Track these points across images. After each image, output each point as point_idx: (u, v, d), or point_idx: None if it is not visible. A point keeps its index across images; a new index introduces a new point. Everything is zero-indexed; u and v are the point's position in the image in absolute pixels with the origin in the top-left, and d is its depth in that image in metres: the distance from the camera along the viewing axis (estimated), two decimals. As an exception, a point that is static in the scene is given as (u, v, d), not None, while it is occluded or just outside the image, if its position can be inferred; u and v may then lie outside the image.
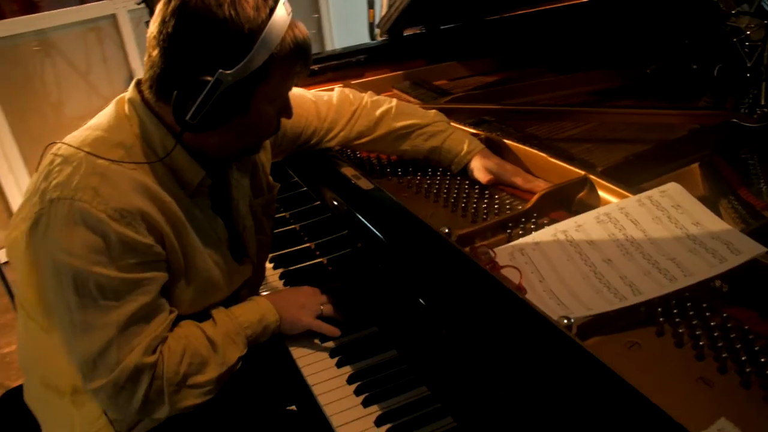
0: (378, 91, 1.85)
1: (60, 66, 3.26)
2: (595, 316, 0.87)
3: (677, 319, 0.86)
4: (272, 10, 0.94)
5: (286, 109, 1.08)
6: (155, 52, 0.95)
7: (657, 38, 1.58)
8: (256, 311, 1.11)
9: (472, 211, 1.21)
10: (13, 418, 1.22)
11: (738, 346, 0.80)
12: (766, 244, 0.90)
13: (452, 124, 1.41)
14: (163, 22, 0.93)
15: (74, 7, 3.21)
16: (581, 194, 1.17)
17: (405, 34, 2.05)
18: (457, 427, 0.96)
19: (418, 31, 2.08)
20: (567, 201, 1.17)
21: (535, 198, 1.15)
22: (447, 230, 1.07)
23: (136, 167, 0.99)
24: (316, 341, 1.17)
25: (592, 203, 1.15)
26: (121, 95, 1.06)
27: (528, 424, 0.75)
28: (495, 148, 1.36)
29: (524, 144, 1.34)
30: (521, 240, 1.05)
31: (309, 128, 1.32)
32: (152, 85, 0.99)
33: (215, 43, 0.92)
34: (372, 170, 1.42)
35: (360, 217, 1.11)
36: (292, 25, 0.98)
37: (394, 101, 1.38)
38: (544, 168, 1.27)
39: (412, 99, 1.78)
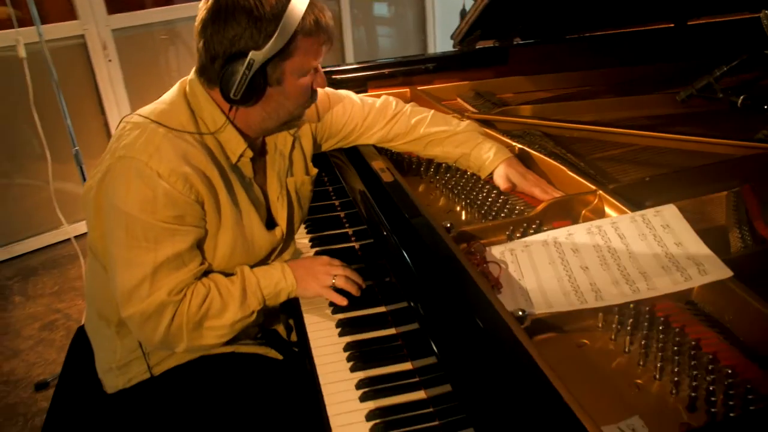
0: (443, 99, 1.98)
1: (182, 54, 3.63)
2: (554, 314, 0.93)
3: (629, 328, 0.90)
4: None
5: (318, 80, 1.22)
6: (199, 44, 1.14)
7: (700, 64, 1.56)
8: (275, 275, 1.25)
9: (484, 211, 1.29)
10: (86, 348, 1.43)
11: (682, 359, 0.84)
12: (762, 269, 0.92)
13: (491, 132, 1.50)
14: (203, 17, 1.11)
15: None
16: (589, 208, 1.22)
17: (477, 47, 2.13)
18: (425, 401, 1.05)
19: (492, 45, 2.15)
20: (574, 213, 1.23)
21: (541, 206, 1.22)
22: (449, 225, 1.16)
23: (189, 136, 1.17)
24: (327, 311, 1.29)
25: (598, 217, 1.19)
26: (185, 77, 1.25)
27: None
28: (525, 160, 1.43)
29: (552, 158, 1.40)
30: (515, 242, 1.12)
31: (350, 124, 1.46)
32: (201, 73, 1.17)
33: (245, 29, 1.08)
34: (408, 168, 1.53)
35: (374, 205, 1.23)
36: (312, 6, 1.13)
37: (432, 111, 1.49)
38: (563, 181, 1.33)
39: (470, 108, 1.88)
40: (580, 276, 1.00)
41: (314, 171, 1.44)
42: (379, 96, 1.55)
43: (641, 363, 0.86)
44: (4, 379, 2.42)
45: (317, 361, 1.17)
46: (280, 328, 1.46)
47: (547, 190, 1.33)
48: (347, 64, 2.07)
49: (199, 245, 1.20)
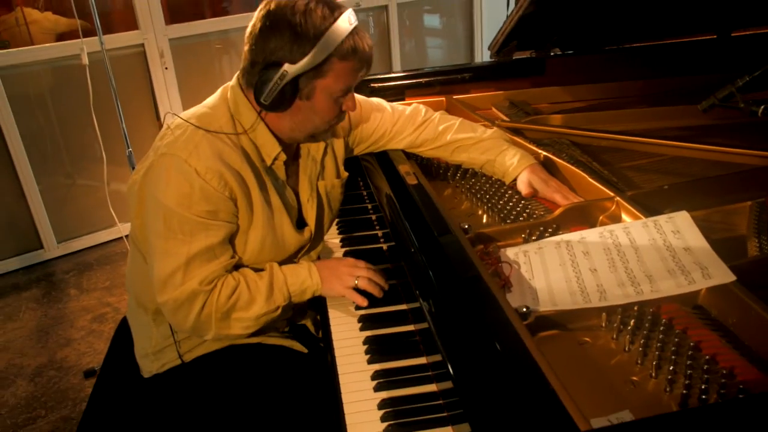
0: (478, 108, 2.02)
1: (235, 62, 3.78)
2: (559, 312, 0.96)
3: (630, 328, 0.92)
4: (336, 20, 1.16)
5: (348, 103, 1.28)
6: (246, 48, 1.22)
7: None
8: (301, 274, 1.32)
9: (504, 215, 1.32)
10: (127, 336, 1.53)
11: (680, 359, 0.86)
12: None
13: (518, 140, 1.54)
14: (253, 24, 1.19)
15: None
16: (606, 214, 1.24)
17: (515, 58, 2.16)
18: (436, 393, 1.09)
19: (529, 56, 2.18)
20: (592, 218, 1.25)
21: (559, 210, 1.25)
22: (467, 226, 1.21)
23: (226, 138, 1.26)
24: (351, 308, 1.35)
25: (614, 223, 1.21)
26: (228, 83, 1.34)
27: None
28: (549, 167, 1.46)
29: (577, 166, 1.42)
30: (529, 244, 1.16)
31: (380, 129, 1.52)
32: (243, 75, 1.26)
33: (285, 43, 1.16)
34: (436, 173, 1.58)
35: (397, 206, 1.28)
36: (354, 34, 1.19)
37: (460, 119, 1.54)
38: (584, 188, 1.35)
39: (503, 116, 1.92)
40: (588, 277, 1.03)
41: (345, 175, 1.50)
42: (415, 104, 1.62)
43: (639, 362, 0.88)
44: (57, 366, 2.57)
45: (337, 352, 1.22)
46: (309, 323, 1.53)
47: (568, 196, 1.35)
48: (386, 73, 2.13)
49: (231, 240, 1.28)
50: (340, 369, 1.18)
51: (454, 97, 2.04)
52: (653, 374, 0.86)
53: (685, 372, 0.84)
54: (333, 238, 1.67)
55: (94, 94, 2.99)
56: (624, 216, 1.21)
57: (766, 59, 1.52)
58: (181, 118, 1.28)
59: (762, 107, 1.20)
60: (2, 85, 3.07)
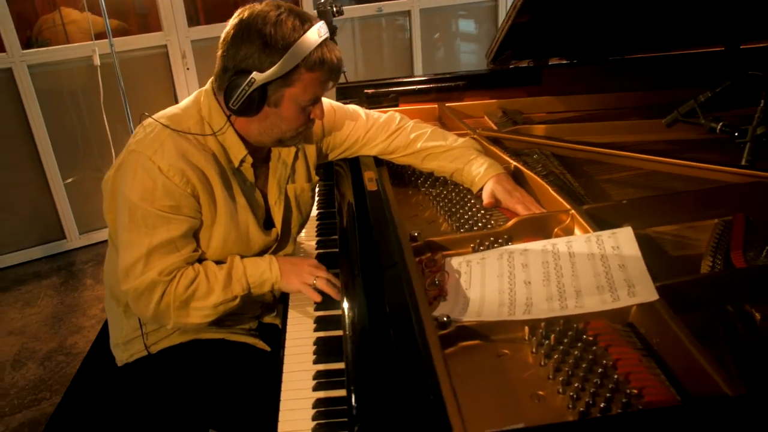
0: (470, 116, 2.03)
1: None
2: (483, 323, 0.97)
3: (551, 342, 0.92)
4: (305, 32, 1.20)
5: (316, 111, 1.31)
6: (219, 53, 1.26)
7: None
8: (261, 265, 1.34)
9: (461, 223, 1.33)
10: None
11: (590, 377, 0.86)
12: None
13: (494, 149, 1.55)
14: (227, 31, 1.24)
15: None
16: (561, 226, 1.24)
17: (511, 66, 2.15)
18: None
19: (527, 65, 2.17)
20: (546, 230, 1.24)
21: (512, 222, 1.25)
22: (416, 234, 1.22)
23: (193, 138, 1.30)
24: (310, 309, 1.38)
25: (568, 235, 1.20)
26: (203, 88, 1.38)
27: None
28: (518, 178, 1.46)
29: (550, 177, 1.42)
30: (474, 254, 1.16)
31: (353, 136, 1.54)
32: (215, 79, 1.30)
33: (255, 51, 1.20)
34: (408, 180, 1.60)
35: (352, 211, 1.30)
36: (322, 46, 1.22)
37: (432, 127, 1.56)
38: (547, 199, 1.35)
39: (491, 125, 1.92)
40: (521, 290, 1.03)
41: (316, 179, 1.53)
42: (410, 110, 1.64)
43: (551, 377, 0.88)
44: (66, 351, 2.68)
45: (287, 351, 1.25)
46: (279, 322, 1.56)
47: (531, 208, 1.35)
48: (379, 79, 2.15)
49: (195, 234, 1.32)
50: (286, 367, 1.21)
51: (447, 104, 2.05)
52: (561, 390, 0.85)
53: (590, 389, 0.84)
54: (311, 240, 1.70)
55: (113, 93, 3.10)
56: (577, 230, 1.20)
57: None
58: (152, 118, 1.33)
59: (720, 124, 1.17)
60: (32, 81, 3.21)
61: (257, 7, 1.25)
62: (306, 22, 1.23)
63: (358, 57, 4.37)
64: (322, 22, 1.26)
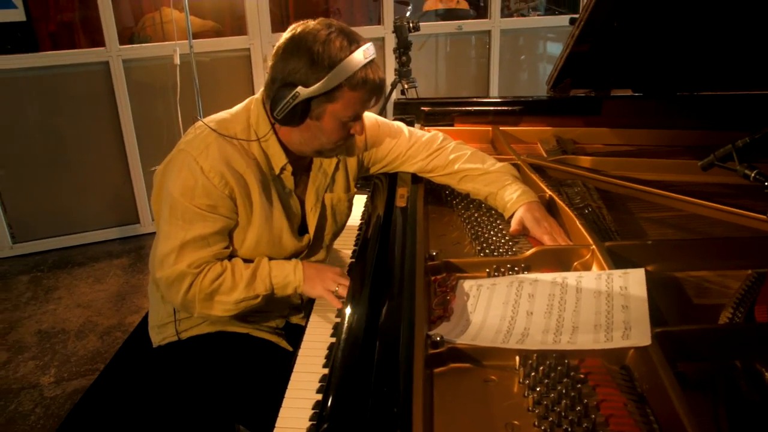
0: (523, 141, 2.03)
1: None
2: (476, 347, 0.98)
3: (539, 375, 0.93)
4: (352, 52, 1.25)
5: (356, 127, 1.37)
6: (270, 63, 1.34)
7: None
8: (286, 268, 1.40)
9: (482, 247, 1.34)
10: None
11: (569, 413, 0.85)
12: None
13: (533, 177, 1.56)
14: (279, 45, 1.32)
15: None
16: (580, 261, 1.23)
17: (572, 95, 2.13)
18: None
19: (588, 94, 2.14)
20: (566, 263, 1.24)
21: (531, 251, 1.25)
22: (434, 253, 1.24)
23: (237, 143, 1.38)
24: (331, 315, 1.42)
25: (586, 270, 1.20)
26: (255, 96, 1.47)
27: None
28: (552, 208, 1.46)
29: (584, 210, 1.42)
30: (486, 279, 1.18)
31: (394, 152, 1.59)
32: (265, 88, 1.37)
33: (302, 66, 1.27)
34: (445, 199, 1.62)
35: (380, 221, 1.34)
36: (367, 67, 1.28)
37: (472, 150, 1.58)
38: (574, 232, 1.34)
39: (542, 152, 1.91)
40: (521, 320, 1.03)
41: (354, 191, 1.58)
42: (465, 130, 1.68)
43: (530, 408, 0.88)
44: (123, 329, 2.86)
45: (301, 352, 1.31)
46: (304, 323, 1.61)
47: (557, 239, 1.34)
48: (437, 98, 2.19)
49: (229, 233, 1.40)
50: (297, 367, 1.26)
51: (501, 128, 2.05)
52: (536, 422, 0.86)
53: (565, 426, 0.84)
54: (347, 248, 1.75)
55: (192, 92, 3.29)
56: (594, 265, 1.19)
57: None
58: (202, 121, 1.42)
59: (755, 172, 1.13)
60: (124, 74, 3.46)
61: (310, 24, 1.31)
62: (353, 43, 1.28)
63: (439, 73, 4.42)
64: (370, 44, 1.32)
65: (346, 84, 1.27)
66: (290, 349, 1.51)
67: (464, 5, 4.53)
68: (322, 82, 1.26)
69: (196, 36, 3.75)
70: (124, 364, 1.62)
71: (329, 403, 0.82)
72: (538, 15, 4.81)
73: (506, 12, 4.69)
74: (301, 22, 1.34)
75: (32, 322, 2.95)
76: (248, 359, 1.46)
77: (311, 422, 1.09)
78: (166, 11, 3.88)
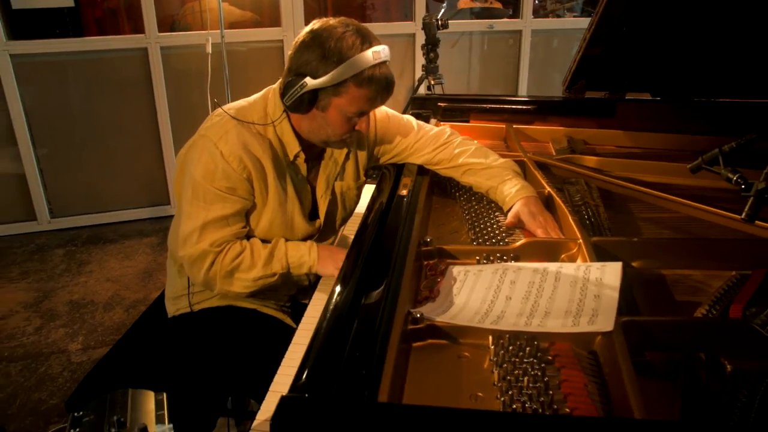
0: (535, 139, 2.08)
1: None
2: (454, 325, 1.05)
3: (508, 353, 0.99)
4: (362, 51, 1.33)
5: (361, 124, 1.44)
6: (288, 54, 1.43)
7: None
8: (301, 249, 1.49)
9: (477, 236, 1.41)
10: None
11: (530, 389, 0.92)
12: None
13: (536, 173, 1.61)
14: (298, 37, 1.40)
15: (382, 23, 4.00)
16: (567, 254, 1.28)
17: (587, 97, 2.17)
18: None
19: (603, 96, 2.18)
20: (553, 255, 1.30)
21: (520, 242, 1.31)
22: (428, 239, 1.32)
23: (255, 130, 1.47)
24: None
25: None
26: (273, 85, 1.55)
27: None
28: (550, 204, 1.52)
29: (580, 208, 1.47)
30: (475, 266, 1.24)
31: (402, 144, 1.66)
32: (283, 76, 1.46)
33: (314, 59, 1.35)
34: (449, 191, 1.69)
35: (381, 207, 1.42)
36: (376, 67, 1.35)
37: (477, 145, 1.65)
38: (566, 227, 1.39)
39: (552, 150, 1.96)
40: (500, 303, 1.10)
41: (363, 179, 1.66)
42: (479, 127, 1.80)
43: (496, 383, 0.95)
44: (148, 303, 2.97)
45: (300, 326, 1.39)
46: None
47: (550, 233, 1.40)
48: (455, 95, 2.25)
49: (246, 214, 1.50)
50: (294, 339, 1.35)
51: (515, 126, 2.10)
52: (498, 395, 0.92)
53: (523, 399, 0.90)
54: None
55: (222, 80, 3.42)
56: (579, 259, 1.25)
57: None
58: (222, 108, 1.51)
59: (737, 175, 1.17)
60: (162, 62, 3.60)
61: (330, 21, 1.39)
62: (366, 43, 1.36)
63: (472, 70, 4.47)
64: (384, 46, 1.39)
65: (352, 80, 1.35)
66: (294, 326, 1.60)
67: (498, 5, 4.57)
68: (329, 75, 1.34)
69: (234, 26, 3.88)
70: (142, 331, 1.73)
71: (309, 361, 0.90)
72: (574, 16, 4.81)
73: (542, 13, 4.71)
74: (323, 19, 1.42)
75: (65, 293, 3.12)
76: (254, 333, 1.56)
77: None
78: (205, 1, 4.02)
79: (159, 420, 0.81)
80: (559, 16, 4.80)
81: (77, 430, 0.77)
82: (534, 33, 4.29)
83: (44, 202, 3.71)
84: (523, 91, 4.42)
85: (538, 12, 4.58)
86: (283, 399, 0.74)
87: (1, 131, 3.55)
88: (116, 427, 0.77)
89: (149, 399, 0.85)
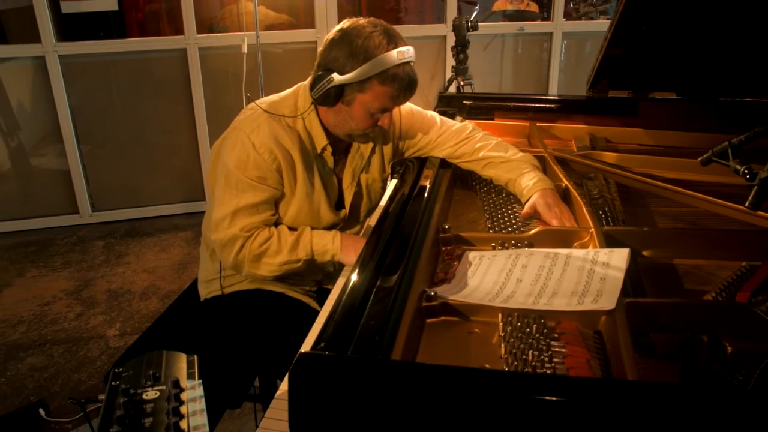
0: (558, 136, 2.12)
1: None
2: (466, 303, 1.11)
3: (516, 330, 1.05)
4: (388, 50, 1.40)
5: (384, 120, 1.52)
6: (319, 51, 1.51)
7: None
8: (326, 237, 1.57)
9: (493, 226, 1.47)
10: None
11: (535, 365, 0.98)
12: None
13: (556, 168, 1.66)
14: (328, 36, 1.48)
15: (414, 25, 4.07)
16: (580, 242, 1.33)
17: (610, 96, 2.21)
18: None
19: (627, 95, 2.21)
20: (566, 244, 1.35)
21: (533, 231, 1.37)
22: (447, 227, 1.38)
23: (284, 123, 1.56)
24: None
25: (583, 251, 1.30)
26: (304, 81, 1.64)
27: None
28: (567, 197, 1.57)
29: (597, 201, 1.52)
30: (490, 252, 1.30)
31: (426, 138, 1.73)
32: (312, 72, 1.54)
33: (342, 56, 1.43)
34: (470, 184, 1.75)
35: (403, 197, 1.49)
36: (400, 66, 1.43)
37: (498, 139, 1.71)
38: (580, 218, 1.44)
39: (573, 147, 2.01)
40: (511, 285, 1.16)
41: (388, 173, 1.74)
42: (503, 124, 1.90)
43: (503, 356, 1.01)
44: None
45: (323, 309, 1.46)
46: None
47: (565, 224, 1.45)
48: (480, 93, 2.30)
49: (275, 203, 1.58)
50: (318, 319, 1.42)
51: (538, 124, 2.15)
52: (505, 367, 0.98)
53: (528, 370, 0.96)
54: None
55: (257, 80, 3.54)
56: (591, 247, 1.30)
57: None
58: (255, 102, 1.60)
59: (744, 167, 1.21)
60: (200, 62, 3.74)
61: (360, 21, 1.47)
62: (392, 43, 1.43)
63: (504, 72, 4.51)
64: (410, 47, 1.46)
65: (376, 78, 1.42)
66: (319, 309, 1.67)
67: (534, 7, 4.60)
68: (355, 72, 1.41)
69: (271, 28, 4.00)
70: (176, 313, 1.83)
71: (328, 328, 0.97)
72: (607, 19, 4.81)
73: (575, 15, 4.72)
74: (353, 18, 1.49)
75: (104, 282, 3.26)
76: (281, 315, 1.64)
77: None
78: (242, 3, 4.15)
79: (190, 377, 0.89)
80: (592, 19, 4.80)
81: (117, 382, 0.86)
82: (565, 35, 4.31)
83: (86, 196, 3.88)
84: (553, 92, 4.44)
85: (570, 15, 4.59)
86: (302, 355, 0.82)
87: (48, 129, 3.73)
88: (152, 380, 0.86)
89: (182, 359, 0.93)
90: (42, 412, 2.30)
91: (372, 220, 1.87)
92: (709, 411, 0.72)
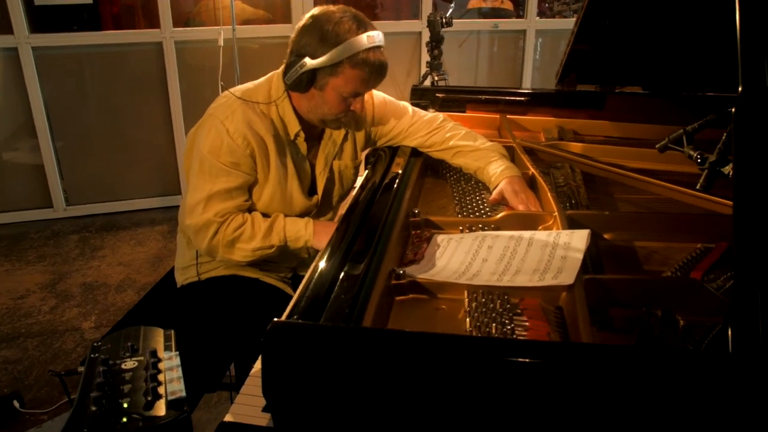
0: (527, 129, 2.18)
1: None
2: (435, 282, 1.16)
3: (480, 305, 1.10)
4: (358, 34, 1.44)
5: (355, 104, 1.56)
6: (291, 38, 1.54)
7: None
8: (299, 224, 1.60)
9: (461, 210, 1.52)
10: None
11: (495, 333, 1.03)
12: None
13: (524, 157, 1.72)
14: (300, 21, 1.52)
15: (390, 21, 4.11)
16: (544, 225, 1.39)
17: (578, 90, 2.27)
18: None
19: (594, 89, 2.28)
20: (531, 227, 1.40)
21: (501, 215, 1.42)
22: (416, 211, 1.43)
23: (258, 110, 1.59)
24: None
25: (547, 234, 1.36)
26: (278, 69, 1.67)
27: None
28: (533, 184, 1.62)
29: (562, 188, 1.58)
30: (458, 234, 1.36)
31: (398, 128, 1.77)
32: (285, 60, 1.57)
33: (313, 41, 1.47)
34: (441, 172, 1.80)
35: (374, 186, 1.53)
36: (370, 50, 1.47)
37: (467, 130, 1.76)
38: (546, 203, 1.50)
39: (542, 139, 2.07)
40: (477, 264, 1.21)
41: (360, 159, 1.78)
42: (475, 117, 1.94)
43: (467, 329, 1.06)
44: (159, 286, 3.12)
45: (297, 292, 1.50)
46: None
47: (531, 209, 1.51)
48: (453, 86, 2.36)
49: (249, 189, 1.61)
50: (291, 302, 1.46)
51: (508, 116, 2.21)
52: (469, 339, 1.03)
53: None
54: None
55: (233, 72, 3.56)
56: (554, 229, 1.35)
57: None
58: (229, 91, 1.63)
59: (696, 153, 1.27)
60: (176, 56, 3.74)
61: (330, 8, 1.51)
62: (362, 28, 1.47)
63: (479, 68, 4.57)
64: (379, 32, 1.50)
65: (347, 61, 1.46)
66: (293, 294, 1.71)
67: (509, 5, 4.67)
68: (326, 56, 1.45)
69: (248, 23, 4.02)
70: (153, 300, 1.85)
71: (300, 301, 1.02)
72: (579, 18, 4.90)
73: (549, 14, 4.81)
74: (324, 6, 1.53)
75: (78, 275, 3.25)
76: (257, 301, 1.67)
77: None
78: (222, -1, 4.16)
79: (168, 348, 0.92)
80: (565, 17, 4.89)
81: (96, 354, 0.89)
82: (538, 33, 4.40)
83: (60, 190, 3.86)
84: (527, 84, 4.52)
85: (545, 13, 4.68)
86: (275, 323, 0.85)
87: (21, 122, 3.70)
88: (130, 351, 0.89)
89: (159, 333, 0.97)
90: (16, 403, 2.30)
91: (344, 208, 1.91)
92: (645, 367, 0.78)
